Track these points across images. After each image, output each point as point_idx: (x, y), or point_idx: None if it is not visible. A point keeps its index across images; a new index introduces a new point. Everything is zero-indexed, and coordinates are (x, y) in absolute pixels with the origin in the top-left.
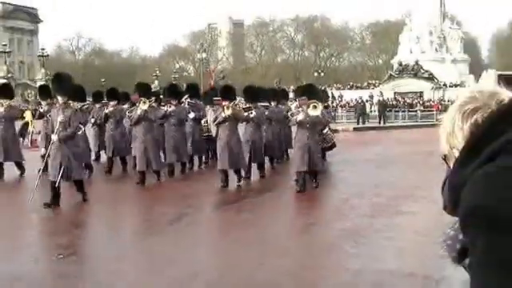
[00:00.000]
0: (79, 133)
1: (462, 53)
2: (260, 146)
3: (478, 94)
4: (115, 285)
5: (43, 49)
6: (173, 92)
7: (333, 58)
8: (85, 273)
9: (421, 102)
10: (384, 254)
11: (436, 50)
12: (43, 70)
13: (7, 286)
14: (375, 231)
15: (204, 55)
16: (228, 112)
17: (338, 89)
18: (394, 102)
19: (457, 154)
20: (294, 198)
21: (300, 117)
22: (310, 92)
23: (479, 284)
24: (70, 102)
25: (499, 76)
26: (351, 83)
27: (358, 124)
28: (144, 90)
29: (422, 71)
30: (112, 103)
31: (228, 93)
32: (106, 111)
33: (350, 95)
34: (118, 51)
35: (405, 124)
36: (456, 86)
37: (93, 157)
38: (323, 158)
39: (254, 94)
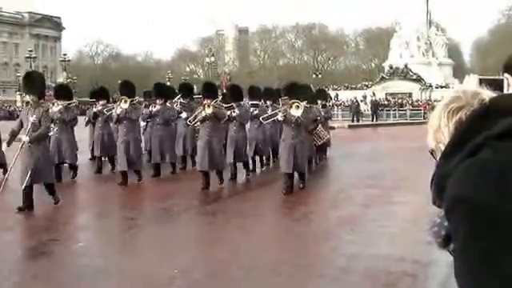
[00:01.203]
0: (50, 134)
1: (447, 57)
2: (243, 146)
3: (462, 93)
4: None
5: (65, 54)
6: (158, 91)
7: (329, 62)
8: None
9: (410, 102)
10: (377, 241)
11: (423, 54)
12: (64, 74)
13: None
14: (369, 220)
15: (212, 59)
16: (209, 111)
17: (334, 89)
18: (386, 102)
19: (443, 148)
20: (294, 192)
21: (279, 117)
22: (292, 91)
23: (461, 268)
24: (42, 101)
25: (480, 80)
26: (346, 84)
27: (352, 122)
28: (128, 88)
29: (411, 74)
30: (101, 102)
31: (210, 90)
32: (95, 110)
33: (345, 95)
34: (133, 55)
35: (395, 122)
36: (442, 87)
37: (89, 155)
38: (324, 155)
39: (238, 92)
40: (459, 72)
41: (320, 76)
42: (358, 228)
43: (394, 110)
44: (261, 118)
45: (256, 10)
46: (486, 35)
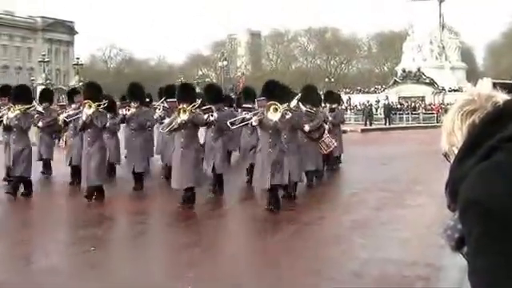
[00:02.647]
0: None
1: (460, 61)
2: (221, 155)
3: (476, 96)
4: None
5: (78, 58)
6: (133, 92)
7: (342, 65)
8: None
9: (423, 106)
10: (390, 244)
11: (436, 57)
12: (77, 77)
13: None
14: (382, 223)
15: (225, 63)
16: (184, 116)
17: (347, 93)
18: (399, 106)
19: (456, 151)
20: (301, 196)
21: (254, 121)
22: (270, 91)
23: (475, 270)
24: None
25: (494, 83)
26: (359, 88)
27: (365, 125)
28: (94, 91)
29: (424, 77)
30: (73, 106)
31: (186, 93)
32: (64, 116)
33: (358, 99)
34: (146, 60)
35: (408, 125)
36: (455, 90)
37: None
38: (334, 164)
39: (216, 94)
40: (472, 75)
41: (333, 80)
42: (370, 232)
43: (407, 114)
44: (228, 122)
45: (268, 13)
46: (499, 38)
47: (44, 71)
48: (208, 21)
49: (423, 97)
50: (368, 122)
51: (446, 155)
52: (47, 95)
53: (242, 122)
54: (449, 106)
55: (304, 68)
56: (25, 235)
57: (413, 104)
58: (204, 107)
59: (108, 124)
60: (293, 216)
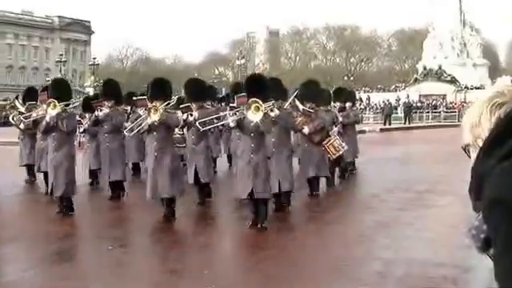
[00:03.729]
0: None
1: (482, 57)
2: (204, 160)
3: (507, 90)
4: None
5: (94, 58)
6: (107, 91)
7: (362, 63)
8: None
9: (444, 104)
10: (414, 245)
11: (457, 55)
12: (92, 78)
13: None
14: (405, 223)
15: (242, 61)
16: (155, 117)
17: (366, 92)
18: (419, 104)
19: (481, 143)
20: (324, 197)
21: (231, 122)
22: (253, 86)
23: (502, 271)
24: None
25: None
26: (379, 86)
27: (384, 125)
28: (60, 88)
29: (445, 75)
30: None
31: (158, 89)
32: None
33: (377, 98)
34: (162, 59)
35: (429, 124)
36: (477, 88)
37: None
38: (350, 167)
39: (197, 89)
40: (495, 72)
41: (352, 78)
42: (393, 232)
43: (428, 113)
44: (197, 123)
45: (287, 11)
46: None
47: (60, 71)
48: (226, 19)
49: (444, 95)
50: (387, 122)
51: (465, 148)
52: (33, 94)
53: (212, 123)
54: (470, 105)
55: (323, 66)
56: None
57: (434, 102)
58: (182, 105)
59: (87, 126)
60: (314, 216)
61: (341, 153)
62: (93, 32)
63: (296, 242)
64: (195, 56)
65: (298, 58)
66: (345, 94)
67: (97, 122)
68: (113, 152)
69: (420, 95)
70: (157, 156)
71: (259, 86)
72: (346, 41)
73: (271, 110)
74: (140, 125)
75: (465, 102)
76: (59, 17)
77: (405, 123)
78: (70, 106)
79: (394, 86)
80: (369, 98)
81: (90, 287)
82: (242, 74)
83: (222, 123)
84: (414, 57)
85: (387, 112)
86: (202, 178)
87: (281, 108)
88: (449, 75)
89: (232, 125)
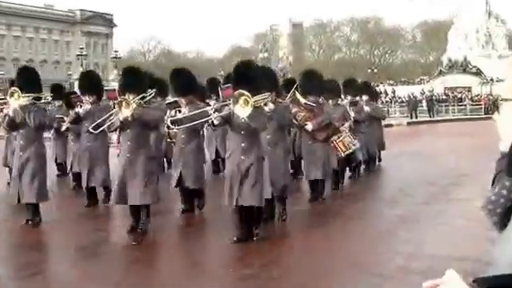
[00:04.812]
0: None
1: (507, 49)
2: (194, 162)
3: None
4: None
5: (116, 51)
6: (86, 84)
7: (386, 55)
8: None
9: (469, 97)
10: (436, 239)
11: (482, 46)
12: (115, 71)
13: None
14: (428, 217)
15: (265, 54)
16: (127, 112)
17: (391, 85)
18: (444, 97)
19: None
20: (346, 189)
21: (215, 119)
22: (241, 76)
23: None
24: None
25: None
26: (403, 79)
27: (411, 118)
28: (26, 76)
29: (470, 67)
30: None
31: (133, 79)
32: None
33: (402, 91)
34: (185, 52)
35: (454, 118)
36: (502, 80)
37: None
38: (362, 166)
39: (186, 83)
40: None
41: (376, 70)
42: (416, 226)
43: (453, 106)
44: (168, 121)
45: (310, 4)
46: None
47: (82, 65)
48: (249, 12)
49: (469, 87)
50: (414, 115)
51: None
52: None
53: (192, 120)
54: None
55: (347, 58)
56: None
57: (459, 95)
58: (169, 101)
59: (69, 125)
60: (337, 210)
61: (351, 151)
62: (115, 25)
63: (317, 235)
64: (218, 50)
65: (321, 50)
66: (357, 87)
67: (78, 120)
68: (93, 153)
69: (445, 88)
70: (129, 157)
71: (248, 76)
72: (370, 33)
73: (265, 104)
74: (110, 121)
75: (491, 95)
76: (81, 10)
77: (429, 117)
78: (42, 100)
79: (418, 79)
80: (394, 91)
81: None
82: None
83: (202, 121)
84: (439, 49)
85: (413, 105)
86: (187, 183)
87: (276, 101)
88: (474, 67)
89: (216, 122)
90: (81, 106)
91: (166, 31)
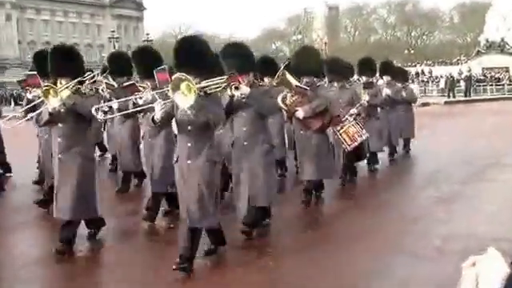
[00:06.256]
0: None
1: None
2: (161, 164)
3: None
4: None
5: (148, 34)
6: (40, 65)
7: (423, 37)
8: None
9: (507, 77)
10: (473, 220)
11: None
12: None
13: None
14: (466, 198)
15: (299, 36)
16: (55, 102)
17: (428, 65)
18: (482, 77)
19: None
20: (385, 171)
21: (158, 113)
22: (183, 55)
23: None
24: None
25: None
26: (440, 60)
27: (448, 98)
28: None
29: (508, 47)
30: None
31: (64, 61)
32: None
33: (439, 71)
34: (217, 35)
35: (492, 97)
36: None
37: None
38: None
39: (150, 64)
40: None
41: (413, 52)
42: (454, 206)
43: (491, 86)
44: (93, 109)
45: None
46: None
47: (114, 48)
48: None
49: (507, 67)
50: (451, 94)
51: None
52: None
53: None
54: None
55: (383, 40)
56: None
57: (497, 75)
58: (127, 83)
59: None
60: (374, 192)
61: (357, 143)
62: (144, 8)
63: (356, 217)
64: (251, 32)
65: (357, 33)
66: (373, 66)
67: (33, 108)
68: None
69: (483, 68)
70: (62, 158)
71: (195, 54)
72: (407, 15)
73: (236, 88)
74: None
75: None
76: None
77: (465, 96)
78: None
79: (456, 59)
80: (431, 72)
81: None
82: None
83: (136, 110)
84: (476, 30)
85: (450, 85)
86: (153, 187)
87: (254, 84)
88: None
89: (158, 117)
90: (30, 92)
91: (197, 14)
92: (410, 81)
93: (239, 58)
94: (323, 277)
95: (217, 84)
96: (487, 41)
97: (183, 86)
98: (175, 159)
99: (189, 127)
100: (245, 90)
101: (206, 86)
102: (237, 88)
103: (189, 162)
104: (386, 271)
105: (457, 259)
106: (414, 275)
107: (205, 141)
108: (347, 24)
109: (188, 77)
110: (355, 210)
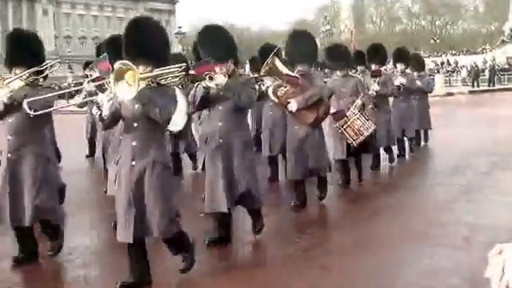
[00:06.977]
0: None
1: None
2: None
3: None
4: None
5: (180, 27)
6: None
7: (448, 26)
8: None
9: None
10: (498, 210)
11: None
12: (180, 46)
13: None
14: (490, 187)
15: (328, 27)
16: (2, 93)
17: (453, 55)
18: (506, 66)
19: None
20: (408, 161)
21: (106, 109)
22: (130, 41)
23: None
24: None
25: None
26: (465, 49)
27: (472, 87)
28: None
29: None
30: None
31: (23, 47)
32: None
33: (464, 61)
34: (248, 28)
35: None
36: None
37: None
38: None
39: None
40: None
41: (438, 41)
42: (478, 196)
43: None
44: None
45: None
46: None
47: None
48: None
49: None
50: (476, 84)
51: None
52: None
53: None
54: None
55: (408, 30)
56: None
57: None
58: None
59: None
60: (397, 181)
61: (363, 137)
62: (177, 1)
63: (384, 205)
64: (281, 24)
65: (382, 22)
66: (382, 53)
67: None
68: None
69: (507, 57)
70: (11, 159)
71: (144, 41)
72: (432, 4)
73: (210, 78)
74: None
75: None
76: None
77: (489, 85)
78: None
79: (480, 49)
80: (456, 62)
81: None
82: (328, 40)
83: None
84: (500, 19)
85: (475, 74)
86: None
87: (234, 74)
88: None
89: (106, 113)
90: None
91: (228, 7)
92: (436, 71)
93: (215, 44)
94: (349, 262)
95: (169, 73)
96: (511, 30)
97: (127, 75)
98: (116, 160)
99: (134, 124)
100: (220, 79)
101: (158, 75)
102: (211, 78)
103: (133, 162)
104: (411, 261)
105: (482, 248)
106: (441, 265)
107: (152, 139)
108: (372, 13)
109: (131, 64)
110: (380, 201)
